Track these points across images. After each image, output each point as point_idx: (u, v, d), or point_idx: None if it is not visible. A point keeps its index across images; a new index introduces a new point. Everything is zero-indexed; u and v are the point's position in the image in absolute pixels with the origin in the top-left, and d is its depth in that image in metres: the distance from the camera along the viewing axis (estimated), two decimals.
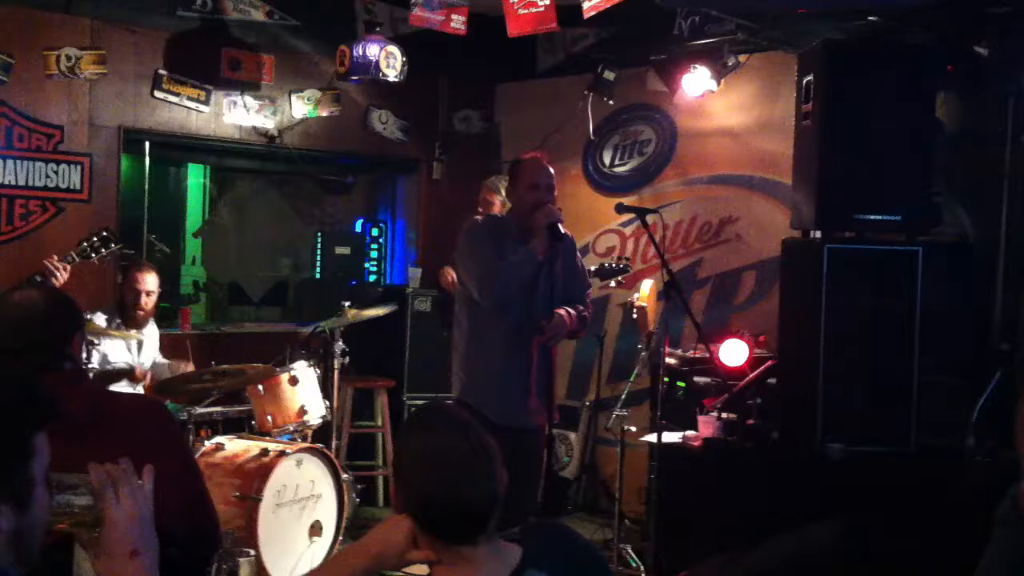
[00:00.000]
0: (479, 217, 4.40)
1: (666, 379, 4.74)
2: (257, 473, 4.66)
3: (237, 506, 4.56)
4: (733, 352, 4.97)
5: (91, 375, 4.85)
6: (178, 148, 6.61)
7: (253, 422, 5.20)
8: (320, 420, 5.33)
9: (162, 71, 5.94)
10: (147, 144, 6.21)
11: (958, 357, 4.56)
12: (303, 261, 8.72)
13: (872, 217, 4.27)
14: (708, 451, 4.51)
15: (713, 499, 4.36)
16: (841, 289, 4.20)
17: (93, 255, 4.71)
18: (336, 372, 5.60)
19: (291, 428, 5.16)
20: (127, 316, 5.27)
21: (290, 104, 6.48)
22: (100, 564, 1.66)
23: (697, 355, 5.30)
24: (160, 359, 5.45)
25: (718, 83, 5.84)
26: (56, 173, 5.63)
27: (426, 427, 1.91)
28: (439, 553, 1.83)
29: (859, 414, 4.22)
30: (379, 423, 6.37)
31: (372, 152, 7.05)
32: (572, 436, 6.54)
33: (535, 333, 3.99)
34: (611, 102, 6.43)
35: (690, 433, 4.66)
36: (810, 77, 4.34)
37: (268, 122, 6.39)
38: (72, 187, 5.70)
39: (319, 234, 7.53)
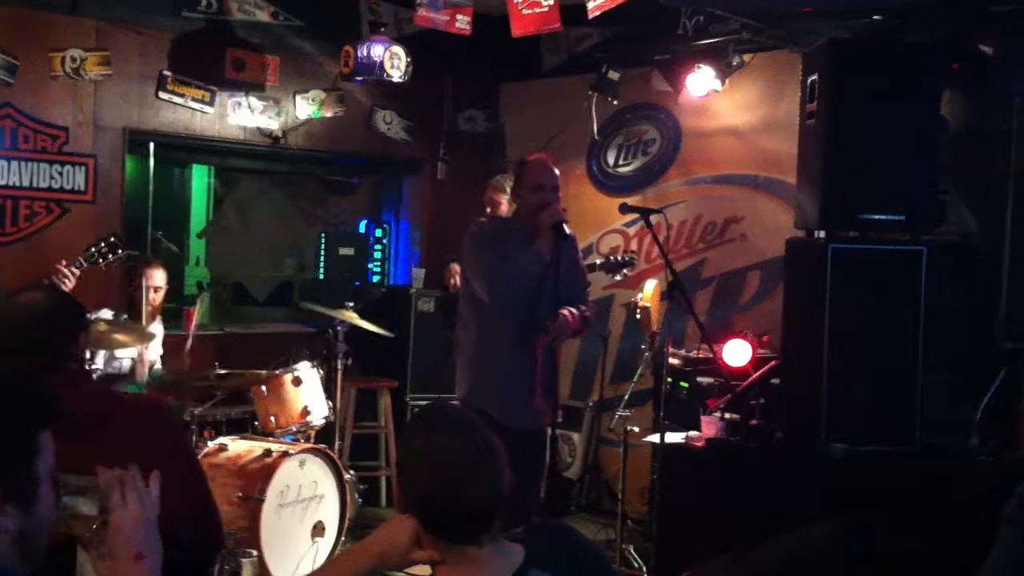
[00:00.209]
0: (484, 219, 4.41)
1: (669, 379, 4.74)
2: (260, 474, 4.66)
3: (240, 507, 4.56)
4: (736, 352, 4.97)
5: (95, 376, 4.86)
6: (182, 149, 6.61)
7: (256, 423, 5.19)
8: (323, 421, 5.32)
9: (167, 72, 5.94)
10: (152, 145, 6.21)
11: (962, 356, 4.54)
12: (307, 262, 8.71)
13: (876, 216, 4.26)
14: (711, 451, 4.50)
15: (716, 499, 4.35)
16: (845, 289, 4.18)
17: (101, 260, 4.72)
18: (339, 373, 5.60)
19: (294, 429, 5.16)
20: (135, 314, 5.26)
21: (294, 105, 6.48)
22: (104, 567, 1.65)
23: (700, 355, 5.29)
24: (158, 366, 5.41)
25: (722, 82, 5.84)
26: (61, 174, 5.64)
27: (430, 427, 1.91)
28: (443, 553, 1.83)
29: (863, 414, 4.21)
30: (382, 424, 6.37)
31: (376, 152, 7.05)
32: (575, 436, 6.54)
33: (540, 334, 3.99)
34: (615, 102, 6.43)
35: (693, 433, 4.65)
36: (814, 76, 4.33)
37: (272, 123, 6.40)
38: (77, 188, 5.70)
39: (323, 235, 7.51)
